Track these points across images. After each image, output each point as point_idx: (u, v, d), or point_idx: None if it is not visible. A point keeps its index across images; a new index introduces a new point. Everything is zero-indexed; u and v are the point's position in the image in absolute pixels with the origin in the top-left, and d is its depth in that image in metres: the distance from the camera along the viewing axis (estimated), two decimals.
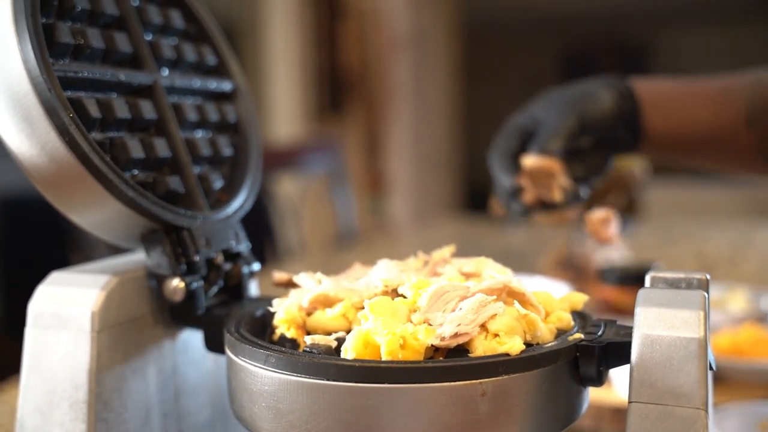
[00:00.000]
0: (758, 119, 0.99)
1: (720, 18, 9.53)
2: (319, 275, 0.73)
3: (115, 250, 1.74)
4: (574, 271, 1.86)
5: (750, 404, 1.04)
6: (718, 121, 1.01)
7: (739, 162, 1.06)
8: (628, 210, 2.16)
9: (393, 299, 0.65)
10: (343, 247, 2.90)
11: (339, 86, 5.52)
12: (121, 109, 0.74)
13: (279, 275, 0.78)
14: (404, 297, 0.66)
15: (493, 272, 0.71)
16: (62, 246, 2.97)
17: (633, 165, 2.32)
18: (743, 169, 1.09)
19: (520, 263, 2.01)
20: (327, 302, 0.70)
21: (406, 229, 4.74)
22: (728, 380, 1.21)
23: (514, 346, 0.60)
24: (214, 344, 0.76)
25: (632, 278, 1.45)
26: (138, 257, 0.81)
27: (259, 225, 2.85)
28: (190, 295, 0.75)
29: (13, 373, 1.34)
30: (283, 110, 5.51)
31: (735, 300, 1.57)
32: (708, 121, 1.01)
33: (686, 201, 5.63)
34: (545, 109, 1.04)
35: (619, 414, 1.08)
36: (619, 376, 1.12)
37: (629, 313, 0.60)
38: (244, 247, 0.83)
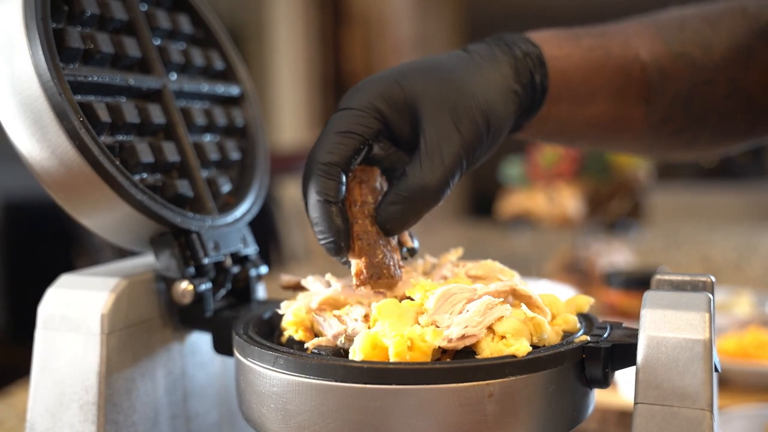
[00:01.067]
0: (656, 102, 0.90)
1: None
2: (328, 277, 0.73)
3: (121, 254, 1.74)
4: (579, 275, 1.87)
5: (755, 407, 1.05)
6: (618, 111, 0.91)
7: (629, 144, 0.98)
8: (633, 214, 2.17)
9: (400, 302, 0.66)
10: None
11: (344, 91, 5.53)
12: (130, 113, 0.75)
13: (287, 278, 0.78)
14: (412, 299, 0.66)
15: (500, 275, 0.72)
16: (67, 250, 2.98)
17: (637, 169, 2.32)
18: (628, 149, 1.04)
19: (525, 267, 2.02)
20: (336, 305, 0.70)
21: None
22: (733, 383, 1.22)
23: (521, 347, 0.60)
24: (223, 346, 0.77)
25: (637, 282, 1.46)
26: (147, 260, 0.81)
27: (265, 229, 2.86)
28: (198, 297, 0.76)
29: (20, 376, 1.35)
30: (288, 115, 5.52)
31: (740, 304, 1.57)
32: (609, 113, 0.90)
33: (691, 205, 5.63)
34: (409, 122, 0.75)
35: (624, 417, 1.08)
36: (624, 379, 1.12)
37: (634, 316, 0.61)
38: (251, 250, 0.83)
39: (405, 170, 0.71)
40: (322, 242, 0.71)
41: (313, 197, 0.70)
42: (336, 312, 0.68)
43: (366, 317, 0.64)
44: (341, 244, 0.70)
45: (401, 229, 0.71)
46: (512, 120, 0.79)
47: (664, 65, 0.90)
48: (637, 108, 0.91)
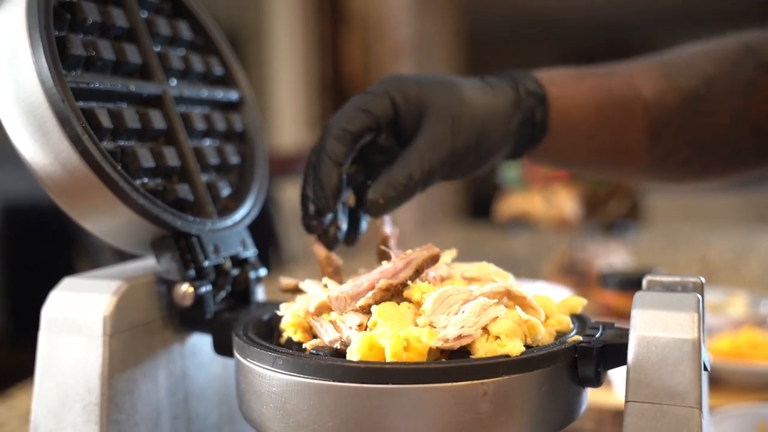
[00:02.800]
0: (660, 136, 0.95)
1: (720, 21, 9.53)
2: (325, 280, 0.75)
3: (121, 256, 1.75)
4: (576, 276, 1.88)
5: (748, 406, 1.06)
6: (621, 145, 0.95)
7: (633, 174, 1.02)
8: (630, 216, 2.17)
9: (398, 303, 0.67)
10: (347, 254, 2.91)
11: (342, 94, 5.53)
12: (131, 118, 0.76)
13: (286, 281, 0.79)
14: (410, 301, 0.67)
15: (495, 277, 0.73)
16: (68, 252, 2.99)
17: None
18: (635, 178, 1.08)
19: (523, 269, 2.03)
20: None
21: (409, 235, 4.75)
22: (727, 383, 1.23)
23: (515, 347, 0.62)
24: (223, 348, 0.78)
25: (632, 283, 1.47)
26: (148, 263, 0.83)
27: (264, 232, 2.87)
28: (199, 300, 0.77)
29: (21, 378, 1.36)
30: (287, 118, 5.52)
31: (735, 304, 1.58)
32: (611, 147, 0.95)
33: (688, 207, 5.64)
34: (416, 111, 0.82)
35: (620, 417, 1.09)
36: (619, 379, 1.13)
37: (629, 317, 0.62)
38: (251, 253, 0.84)
39: (397, 159, 0.79)
40: (315, 198, 0.78)
41: (323, 156, 0.77)
42: (332, 317, 0.69)
43: (360, 326, 0.65)
44: (330, 203, 0.78)
45: (383, 211, 0.79)
46: (505, 147, 0.86)
47: (667, 100, 0.94)
48: (640, 142, 0.95)
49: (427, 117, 0.80)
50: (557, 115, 0.90)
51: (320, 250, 0.80)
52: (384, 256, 0.78)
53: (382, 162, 0.84)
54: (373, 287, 0.67)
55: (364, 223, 0.87)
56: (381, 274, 0.69)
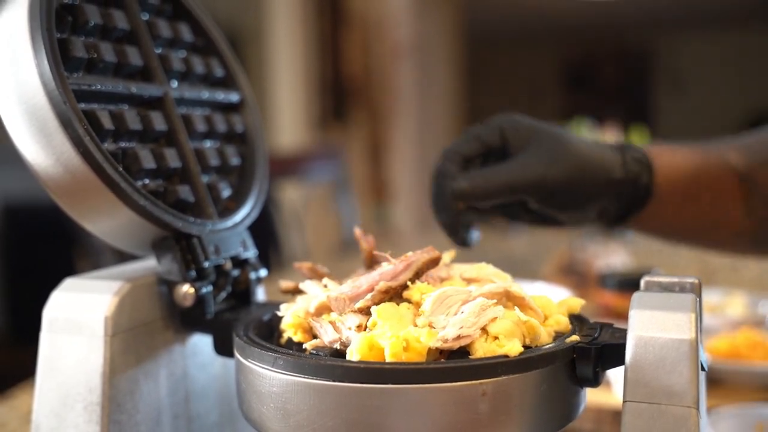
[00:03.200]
0: (754, 205, 0.99)
1: (720, 25, 9.54)
2: (326, 281, 0.75)
3: (122, 257, 1.76)
4: (575, 276, 1.88)
5: (747, 406, 1.06)
6: (719, 209, 1.00)
7: (731, 241, 1.06)
8: None
9: (398, 304, 0.67)
10: (347, 255, 2.91)
11: (342, 94, 5.54)
12: (132, 120, 0.76)
13: (286, 283, 0.80)
14: (409, 302, 0.68)
15: (494, 277, 0.74)
16: (68, 252, 2.99)
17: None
18: (733, 247, 1.11)
19: (522, 269, 2.04)
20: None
21: (409, 235, 4.76)
22: (726, 383, 1.23)
23: (514, 348, 0.62)
24: (223, 348, 0.78)
25: (631, 284, 1.46)
26: (149, 264, 0.83)
27: (264, 232, 2.87)
28: (199, 300, 0.78)
29: (21, 378, 1.36)
30: (287, 118, 5.53)
31: (733, 305, 1.59)
32: (710, 210, 1.00)
33: None
34: (524, 141, 0.90)
35: (618, 417, 1.10)
36: (618, 379, 1.14)
37: (628, 317, 0.63)
38: (251, 253, 0.85)
39: (493, 165, 0.89)
40: (439, 214, 0.90)
41: (440, 178, 0.89)
42: (332, 318, 0.69)
43: (359, 327, 0.66)
44: (448, 222, 0.89)
45: (470, 199, 0.87)
46: (607, 198, 0.92)
47: (755, 174, 0.99)
48: (736, 207, 1.00)
49: (530, 144, 0.89)
50: (661, 178, 0.95)
51: (363, 245, 0.81)
52: (373, 261, 0.78)
53: None
54: (372, 289, 0.68)
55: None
56: (381, 276, 0.70)
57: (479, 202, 0.87)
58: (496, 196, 0.87)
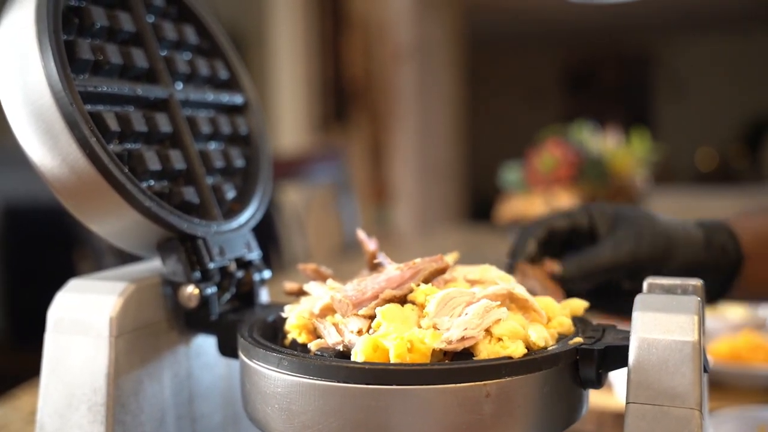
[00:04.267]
0: None
1: (720, 29, 9.54)
2: (330, 282, 0.75)
3: (122, 259, 1.76)
4: None
5: (748, 409, 1.07)
6: None
7: None
8: None
9: (402, 305, 0.68)
10: (348, 257, 2.92)
11: (344, 96, 5.54)
12: (138, 122, 0.77)
13: (290, 285, 0.80)
14: (413, 303, 0.68)
15: (497, 279, 0.74)
16: (69, 254, 2.99)
17: (635, 174, 2.34)
18: None
19: None
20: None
21: (410, 237, 4.76)
22: (727, 386, 1.24)
23: (517, 349, 0.63)
24: (227, 349, 0.79)
25: None
26: (153, 265, 0.83)
27: (265, 234, 2.87)
28: (204, 301, 0.78)
29: (23, 380, 1.36)
30: (289, 120, 5.53)
31: (734, 307, 1.59)
32: None
33: (688, 209, 5.64)
34: (611, 223, 0.95)
35: (620, 419, 1.10)
36: (620, 381, 1.14)
37: (629, 319, 0.63)
38: (255, 255, 0.85)
39: (589, 249, 0.92)
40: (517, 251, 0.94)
41: (528, 236, 0.94)
42: (335, 320, 0.70)
43: (359, 331, 0.66)
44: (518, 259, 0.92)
45: (566, 284, 0.89)
46: (703, 271, 0.93)
47: None
48: None
49: (617, 225, 0.93)
50: (747, 240, 0.96)
51: (367, 248, 0.82)
52: (375, 264, 0.79)
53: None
54: (376, 297, 0.68)
55: None
56: (387, 282, 0.70)
57: (576, 285, 0.90)
58: (592, 278, 0.90)
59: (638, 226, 0.92)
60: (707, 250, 0.93)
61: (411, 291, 0.69)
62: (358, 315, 0.68)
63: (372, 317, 0.66)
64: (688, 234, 0.93)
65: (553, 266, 0.88)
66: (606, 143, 2.96)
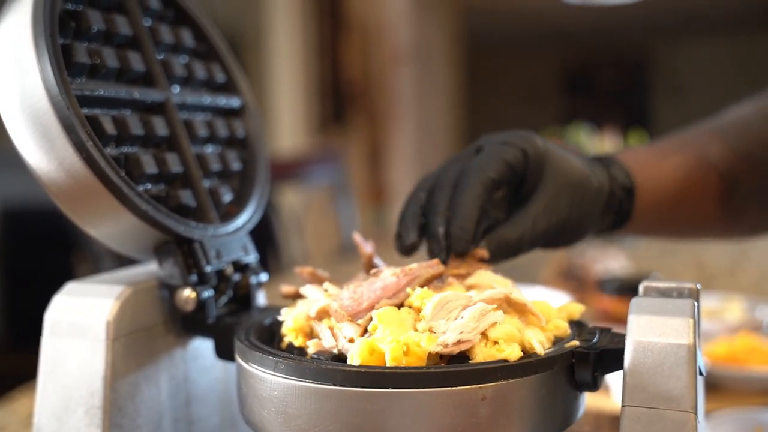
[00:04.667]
0: (731, 203, 1.00)
1: (719, 29, 9.55)
2: (326, 285, 0.76)
3: (120, 262, 1.76)
4: (574, 281, 1.88)
5: (745, 410, 1.07)
6: (696, 218, 1.01)
7: (707, 238, 1.10)
8: None
9: (399, 309, 0.68)
10: (347, 259, 2.92)
11: (342, 99, 5.55)
12: (135, 125, 0.77)
13: (287, 288, 0.80)
14: (410, 307, 0.68)
15: (494, 283, 0.74)
16: (67, 257, 2.99)
17: None
18: (708, 239, 1.11)
19: (521, 274, 2.04)
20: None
21: None
22: (724, 387, 1.24)
23: (513, 352, 0.63)
24: (224, 352, 0.79)
25: (630, 288, 1.47)
26: (150, 268, 0.83)
27: (263, 236, 2.87)
28: (201, 304, 0.78)
29: (20, 382, 1.37)
30: (287, 122, 5.53)
31: (731, 309, 1.59)
32: (688, 221, 1.01)
33: None
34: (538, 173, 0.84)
35: (617, 422, 1.10)
36: (617, 384, 1.14)
37: (627, 322, 0.63)
38: (252, 258, 0.85)
39: (511, 219, 0.82)
40: (455, 229, 0.79)
41: (467, 198, 0.79)
42: (331, 323, 0.70)
43: (352, 340, 0.66)
44: (468, 239, 0.79)
45: (493, 260, 0.80)
46: (592, 229, 0.90)
47: (735, 169, 0.98)
48: (714, 212, 1.00)
49: (544, 183, 0.83)
50: (642, 204, 0.93)
51: (364, 251, 0.81)
52: (372, 266, 0.79)
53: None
54: (372, 307, 0.68)
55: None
56: (383, 290, 0.70)
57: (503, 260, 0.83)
58: (514, 256, 0.83)
59: (567, 191, 0.84)
60: (610, 206, 0.90)
61: (407, 297, 0.69)
62: (351, 322, 0.68)
63: (367, 329, 0.67)
64: (598, 194, 0.87)
65: (483, 253, 0.80)
66: (604, 144, 2.96)
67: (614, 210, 0.91)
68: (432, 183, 0.84)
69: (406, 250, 0.81)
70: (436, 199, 0.81)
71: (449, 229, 0.78)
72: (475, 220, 0.78)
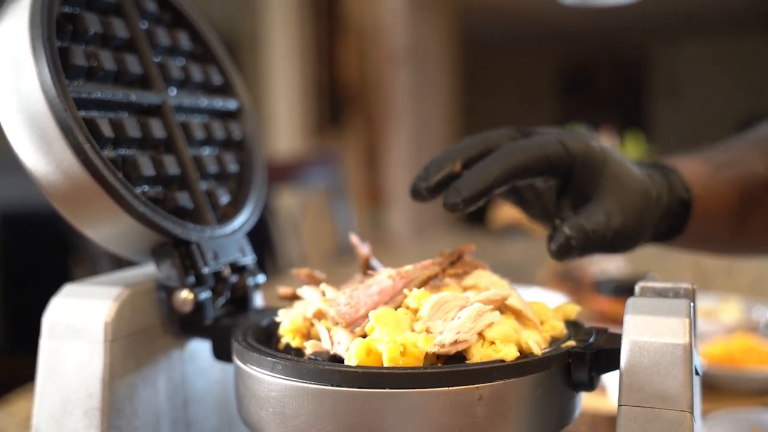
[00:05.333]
0: None
1: (716, 31, 9.56)
2: (323, 286, 0.76)
3: (118, 264, 1.76)
4: (571, 282, 1.89)
5: (741, 411, 1.07)
6: (742, 232, 0.99)
7: (747, 254, 1.07)
8: None
9: (395, 309, 0.68)
10: (343, 261, 2.92)
11: (339, 100, 5.55)
12: (132, 128, 0.77)
13: (284, 290, 0.81)
14: (408, 307, 0.69)
15: (490, 284, 0.74)
16: (64, 260, 2.99)
17: None
18: (747, 256, 1.10)
19: (518, 275, 2.04)
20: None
21: (405, 241, 4.76)
22: (720, 388, 1.24)
23: (510, 352, 0.63)
24: (222, 353, 0.79)
25: (626, 289, 1.47)
26: (148, 270, 0.84)
27: (260, 239, 2.88)
28: (198, 306, 0.78)
29: (18, 385, 1.37)
30: (284, 125, 5.54)
31: (728, 310, 1.60)
32: (733, 236, 0.99)
33: None
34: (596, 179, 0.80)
35: (614, 422, 1.10)
36: (613, 384, 1.14)
37: (623, 322, 0.63)
38: (249, 260, 0.86)
39: (586, 213, 0.78)
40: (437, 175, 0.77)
41: (485, 171, 0.75)
42: (329, 324, 0.70)
43: (347, 349, 0.66)
44: (430, 192, 0.77)
45: (569, 251, 0.76)
46: (647, 237, 0.86)
47: None
48: (759, 225, 0.98)
49: (607, 184, 0.79)
50: (696, 220, 0.91)
51: (360, 252, 0.81)
52: (368, 267, 0.79)
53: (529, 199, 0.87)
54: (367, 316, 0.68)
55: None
56: (380, 295, 0.70)
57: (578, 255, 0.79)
58: (585, 252, 0.78)
59: (626, 192, 0.80)
60: (664, 219, 0.87)
61: (404, 298, 0.69)
62: (345, 329, 0.68)
63: (364, 336, 0.67)
64: (657, 206, 0.85)
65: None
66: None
67: (669, 221, 0.89)
68: (468, 144, 0.80)
69: (418, 192, 0.78)
70: (470, 150, 0.78)
71: (459, 179, 0.75)
72: (484, 187, 0.74)
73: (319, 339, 0.70)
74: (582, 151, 0.79)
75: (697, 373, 0.62)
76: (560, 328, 0.71)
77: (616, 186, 0.80)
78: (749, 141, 1.02)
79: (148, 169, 0.77)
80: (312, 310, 0.72)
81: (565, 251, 0.76)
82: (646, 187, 0.83)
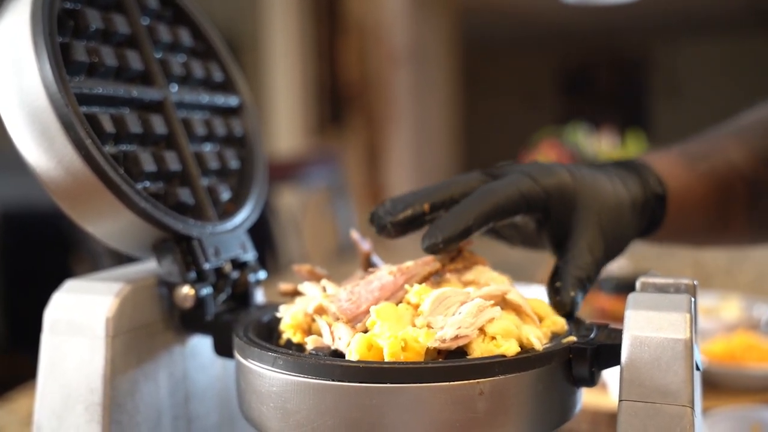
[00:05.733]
0: (756, 207, 0.98)
1: (716, 31, 9.57)
2: (324, 282, 0.76)
3: (119, 262, 1.76)
4: None
5: (742, 408, 1.07)
6: (721, 224, 0.98)
7: (730, 245, 1.08)
8: None
9: (396, 305, 0.68)
10: (344, 259, 2.92)
11: (340, 100, 5.55)
12: (133, 123, 0.77)
13: (285, 286, 0.81)
14: (409, 303, 0.69)
15: (491, 280, 0.74)
16: (65, 258, 2.99)
17: None
18: (731, 247, 1.09)
19: (518, 273, 2.04)
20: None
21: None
22: (721, 386, 1.24)
23: (511, 348, 0.63)
24: (223, 349, 0.79)
25: (627, 287, 1.46)
26: (149, 266, 0.84)
27: (261, 237, 2.88)
28: (199, 302, 0.78)
29: (19, 383, 1.37)
30: (285, 124, 5.54)
31: (728, 308, 1.60)
32: (713, 228, 0.99)
33: None
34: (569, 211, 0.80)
35: (615, 418, 1.10)
36: (614, 381, 1.14)
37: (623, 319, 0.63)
38: (250, 256, 0.86)
39: (570, 258, 0.77)
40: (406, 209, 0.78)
41: (462, 213, 0.74)
42: (330, 320, 0.70)
43: (348, 344, 0.66)
44: (396, 230, 0.78)
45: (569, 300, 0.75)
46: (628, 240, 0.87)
47: (759, 174, 0.97)
48: (741, 218, 0.98)
49: (581, 214, 0.79)
50: (672, 214, 0.91)
51: (361, 249, 0.81)
52: (369, 264, 0.79)
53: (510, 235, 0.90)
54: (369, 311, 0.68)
55: None
56: (381, 291, 0.70)
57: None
58: (585, 291, 0.78)
59: (601, 224, 0.80)
60: (642, 218, 0.87)
61: (405, 294, 0.70)
62: (346, 324, 0.68)
63: (365, 331, 0.67)
64: (633, 211, 0.85)
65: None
66: (601, 145, 2.96)
67: (647, 218, 0.89)
68: (437, 188, 0.80)
69: (382, 225, 0.78)
70: (439, 193, 0.78)
71: (437, 221, 0.75)
72: (464, 229, 0.74)
73: (320, 334, 0.70)
74: (554, 185, 0.78)
75: (698, 369, 0.62)
76: (561, 324, 0.71)
77: (591, 211, 0.80)
78: (727, 131, 1.02)
79: (149, 164, 0.77)
80: (313, 306, 0.72)
81: (575, 306, 0.76)
82: (620, 200, 0.83)
